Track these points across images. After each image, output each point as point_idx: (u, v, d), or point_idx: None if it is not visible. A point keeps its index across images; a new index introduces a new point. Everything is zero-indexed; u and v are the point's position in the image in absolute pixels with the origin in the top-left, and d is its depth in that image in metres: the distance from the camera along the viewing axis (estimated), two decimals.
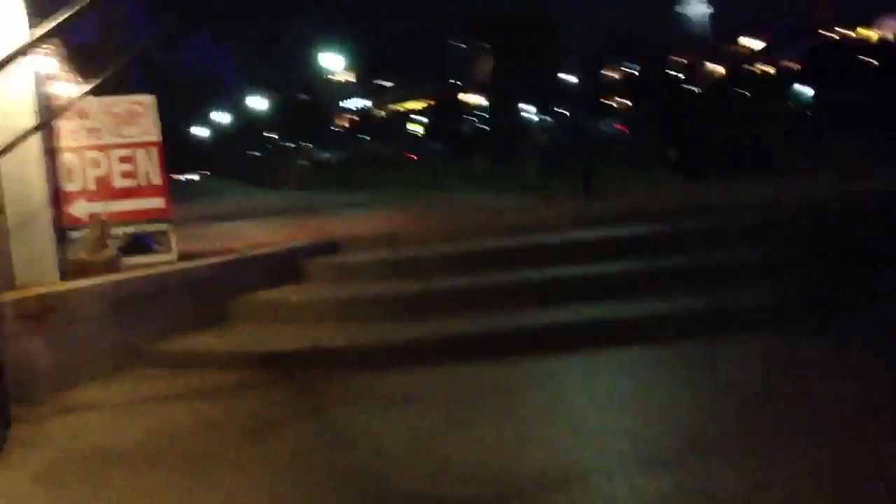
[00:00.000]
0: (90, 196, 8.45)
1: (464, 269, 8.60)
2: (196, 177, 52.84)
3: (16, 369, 6.45)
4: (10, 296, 6.55)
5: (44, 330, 6.74)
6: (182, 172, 51.86)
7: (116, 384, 6.93)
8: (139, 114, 8.66)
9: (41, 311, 6.73)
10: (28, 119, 7.32)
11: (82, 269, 8.08)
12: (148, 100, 8.74)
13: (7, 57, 6.36)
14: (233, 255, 8.92)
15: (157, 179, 8.65)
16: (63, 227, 8.24)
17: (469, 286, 8.17)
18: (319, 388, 6.55)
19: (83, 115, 8.49)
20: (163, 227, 8.65)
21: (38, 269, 7.43)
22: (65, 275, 7.68)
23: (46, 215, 7.50)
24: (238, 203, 22.84)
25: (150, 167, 8.62)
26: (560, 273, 8.32)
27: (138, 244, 8.73)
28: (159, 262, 8.53)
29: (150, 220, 8.62)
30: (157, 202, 8.64)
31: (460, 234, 9.97)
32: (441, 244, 9.53)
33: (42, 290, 6.91)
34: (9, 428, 5.91)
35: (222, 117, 54.97)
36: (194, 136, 62.05)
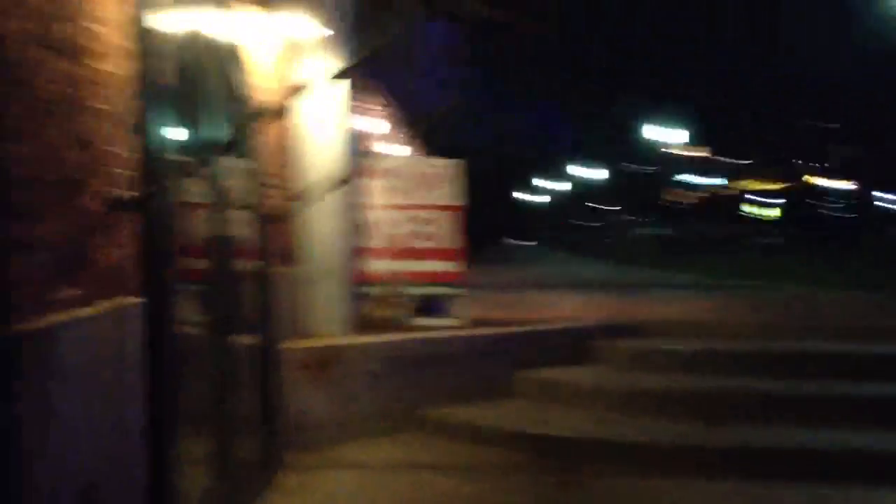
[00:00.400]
0: (388, 254, 8.55)
1: (779, 373, 7.63)
2: (528, 242, 53.68)
3: (294, 416, 6.55)
4: (297, 344, 6.66)
5: (324, 381, 6.79)
6: (508, 237, 53.29)
7: (384, 445, 6.86)
8: (446, 177, 8.69)
9: (324, 362, 6.81)
10: (337, 173, 7.53)
11: (371, 325, 8.19)
12: (456, 164, 8.74)
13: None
14: (521, 327, 8.62)
15: (454, 244, 8.59)
16: (358, 282, 8.40)
17: (781, 393, 7.22)
18: (586, 484, 6.01)
19: (393, 174, 8.65)
20: (455, 291, 8.54)
21: (328, 320, 7.58)
22: (354, 329, 7.82)
23: (343, 270, 7.63)
24: (555, 272, 22.73)
25: (449, 231, 8.59)
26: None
27: (430, 306, 8.68)
28: (447, 325, 8.41)
29: (442, 284, 8.55)
30: (451, 266, 8.57)
31: (783, 331, 8.93)
32: (757, 341, 8.58)
33: (327, 341, 7.01)
34: (275, 473, 5.96)
35: (549, 183, 55.69)
36: (522, 201, 63.43)
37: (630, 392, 7.45)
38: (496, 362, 7.93)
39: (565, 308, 11.19)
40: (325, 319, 7.56)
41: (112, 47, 3.46)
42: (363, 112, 10.74)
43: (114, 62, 3.49)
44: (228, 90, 5.50)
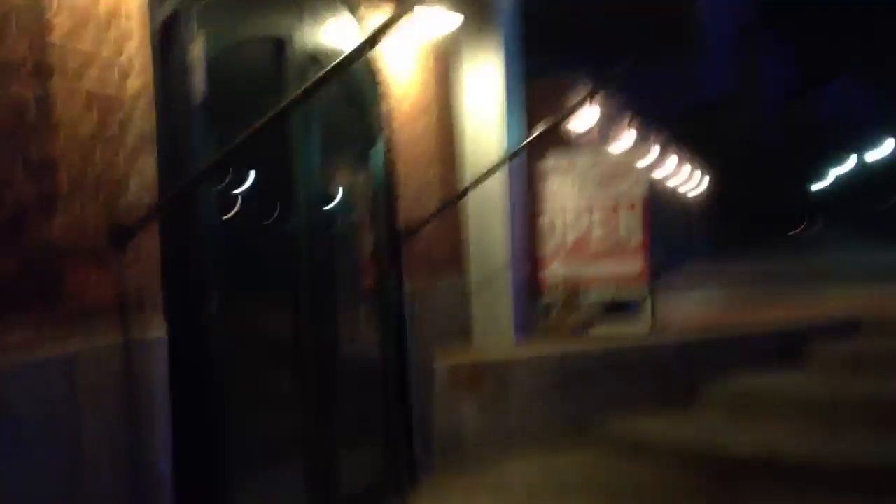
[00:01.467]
0: (566, 257, 8.06)
1: None
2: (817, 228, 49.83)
3: (442, 434, 6.32)
4: (445, 361, 6.42)
5: (477, 397, 6.50)
6: (799, 225, 49.76)
7: (543, 463, 6.39)
8: (627, 170, 8.07)
9: (474, 378, 6.51)
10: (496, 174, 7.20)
11: (552, 335, 7.78)
12: (633, 155, 8.10)
13: None
14: (715, 332, 7.81)
15: (636, 241, 7.95)
16: (537, 290, 8.02)
17: None
18: None
19: (571, 172, 8.16)
20: (638, 294, 7.88)
21: (491, 331, 7.27)
22: (529, 340, 7.47)
23: (505, 277, 7.29)
24: (832, 262, 20.29)
25: (631, 228, 7.96)
26: None
27: (620, 311, 8.09)
28: (630, 332, 7.79)
29: (624, 287, 7.92)
30: (634, 266, 7.92)
31: None
32: None
33: (478, 356, 6.72)
34: (408, 495, 5.75)
35: (844, 166, 51.38)
36: (816, 190, 58.96)
37: (846, 402, 6.48)
38: (680, 371, 7.22)
39: (803, 305, 10.01)
40: (488, 331, 7.27)
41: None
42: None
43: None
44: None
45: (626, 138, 16.00)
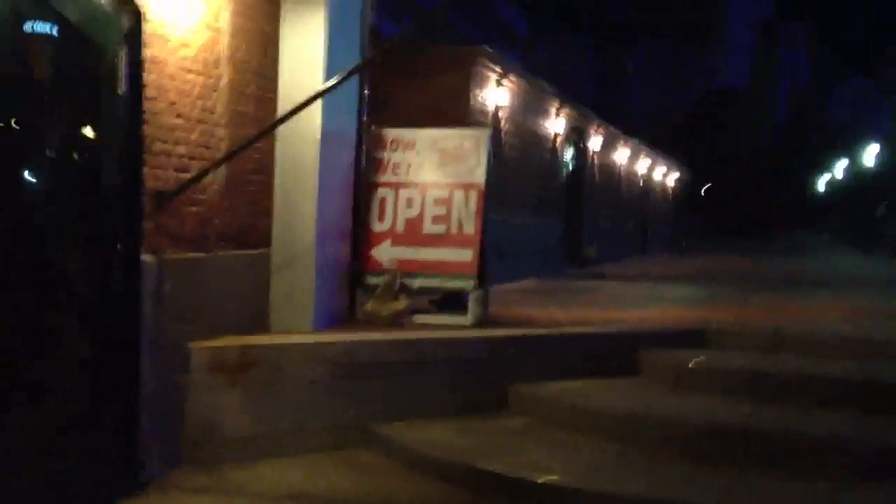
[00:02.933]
0: (396, 239, 7.41)
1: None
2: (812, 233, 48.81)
3: (195, 428, 5.65)
4: (204, 344, 5.72)
5: (241, 387, 5.82)
6: (796, 227, 49.19)
7: (308, 466, 5.74)
8: (468, 150, 7.39)
9: (244, 365, 5.83)
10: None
11: (371, 322, 7.14)
12: (479, 134, 7.43)
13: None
14: (541, 329, 7.18)
15: (469, 228, 7.30)
16: (363, 272, 7.36)
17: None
18: None
19: (409, 147, 7.48)
20: (466, 284, 7.23)
21: (293, 314, 6.61)
22: (341, 325, 6.84)
23: (316, 254, 6.62)
24: (791, 267, 19.49)
25: (464, 213, 7.31)
26: None
27: (454, 301, 7.44)
28: (456, 325, 7.14)
29: (454, 275, 7.27)
30: (465, 255, 7.29)
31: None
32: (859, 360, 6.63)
33: (252, 340, 6.02)
34: (126, 495, 5.09)
35: (842, 169, 50.30)
36: (815, 191, 58.23)
37: (662, 421, 5.84)
38: (489, 372, 6.59)
39: (670, 308, 9.40)
40: (286, 314, 6.60)
41: None
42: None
43: None
44: None
45: (554, 125, 15.50)
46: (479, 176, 7.32)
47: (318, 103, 6.44)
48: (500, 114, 12.63)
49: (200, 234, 5.79)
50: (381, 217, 7.43)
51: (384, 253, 7.36)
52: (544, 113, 15.18)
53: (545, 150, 15.41)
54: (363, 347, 6.28)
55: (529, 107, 14.13)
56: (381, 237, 7.40)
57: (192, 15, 5.55)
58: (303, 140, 6.56)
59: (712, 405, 6.02)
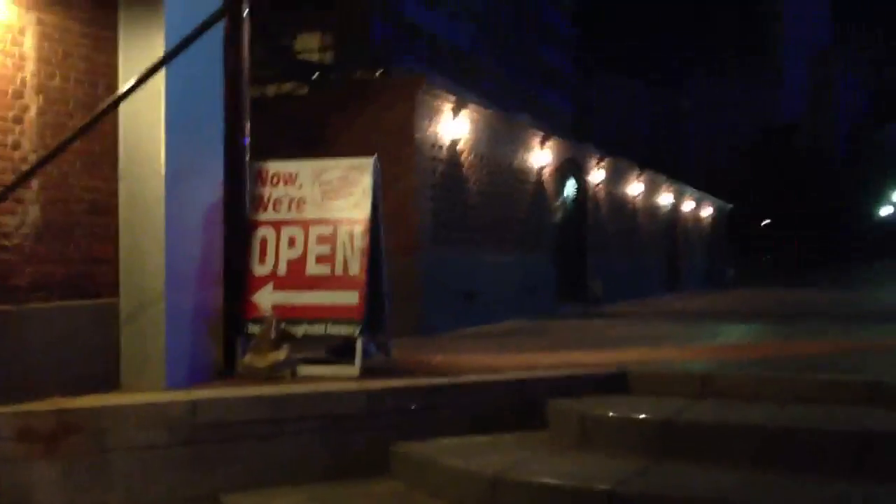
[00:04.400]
0: (278, 282, 6.66)
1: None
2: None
3: None
4: (10, 409, 5.00)
5: (59, 458, 5.06)
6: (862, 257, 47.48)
7: None
8: (352, 182, 6.65)
9: (56, 433, 5.08)
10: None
11: (247, 376, 6.37)
12: (365, 164, 6.66)
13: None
14: (432, 378, 6.32)
15: (354, 268, 6.51)
16: (245, 320, 6.61)
17: None
18: None
19: (290, 181, 6.76)
20: (351, 330, 6.42)
21: (145, 370, 5.88)
22: (210, 380, 6.12)
23: (160, 305, 5.89)
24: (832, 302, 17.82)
25: (349, 252, 6.54)
26: None
27: (348, 349, 6.65)
28: (339, 376, 6.34)
29: (338, 321, 6.47)
30: (350, 297, 6.49)
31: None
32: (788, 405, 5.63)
33: (68, 403, 5.28)
34: None
35: None
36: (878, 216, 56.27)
37: (507, 486, 4.91)
38: (369, 429, 5.75)
39: (651, 346, 8.48)
40: (137, 371, 5.89)
41: None
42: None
43: None
44: None
45: (538, 159, 14.70)
46: (365, 210, 6.54)
47: (161, 139, 5.78)
48: (460, 147, 11.89)
49: (4, 284, 5.09)
50: (263, 259, 6.69)
51: (265, 298, 6.61)
52: (524, 146, 14.40)
53: (527, 183, 14.61)
54: (211, 406, 5.49)
55: (501, 139, 13.38)
56: (262, 281, 6.66)
57: None
58: (145, 178, 5.91)
59: (602, 465, 5.07)
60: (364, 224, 6.52)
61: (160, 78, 5.87)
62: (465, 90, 12.34)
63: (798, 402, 5.68)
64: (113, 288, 5.91)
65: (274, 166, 6.81)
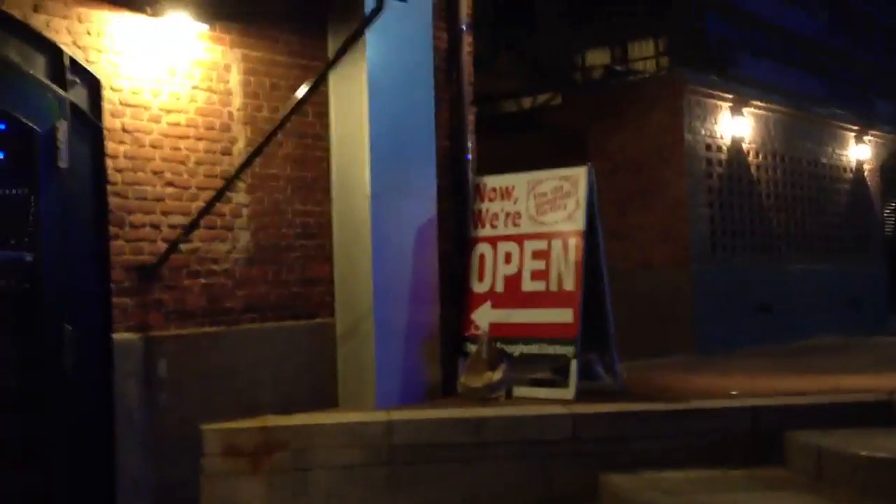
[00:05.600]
0: (496, 300, 6.49)
1: None
2: None
3: None
4: (218, 426, 5.31)
5: (266, 474, 5.31)
6: None
7: None
8: (566, 193, 6.33)
9: (260, 449, 5.32)
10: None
11: (465, 396, 6.31)
12: (579, 173, 6.32)
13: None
14: (660, 404, 5.78)
15: (569, 284, 6.17)
16: (465, 337, 6.56)
17: None
18: None
19: (506, 195, 6.61)
20: (565, 350, 6.09)
21: (358, 388, 6.03)
22: (426, 399, 6.19)
23: (369, 323, 5.99)
24: None
25: (564, 266, 6.21)
26: None
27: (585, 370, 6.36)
28: (554, 398, 6.05)
29: (552, 340, 6.17)
30: (564, 315, 6.16)
31: None
32: None
33: (272, 421, 5.47)
34: None
35: None
36: None
37: None
38: (576, 456, 5.41)
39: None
40: (352, 389, 6.05)
41: None
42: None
43: None
44: None
45: (854, 154, 13.16)
46: (579, 222, 6.19)
47: (366, 162, 5.90)
48: (745, 147, 10.99)
49: (215, 307, 5.43)
50: (481, 276, 6.57)
51: (484, 316, 6.48)
52: (834, 142, 13.02)
53: (842, 183, 13.18)
54: (407, 427, 5.44)
55: (802, 136, 12.18)
56: (481, 298, 6.54)
57: (182, 79, 5.31)
58: (354, 200, 6.03)
59: None
60: (578, 237, 6.17)
61: (363, 100, 5.99)
62: (747, 86, 11.37)
63: None
64: (329, 308, 6.08)
65: (491, 181, 6.68)
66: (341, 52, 5.44)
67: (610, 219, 10.45)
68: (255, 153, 5.27)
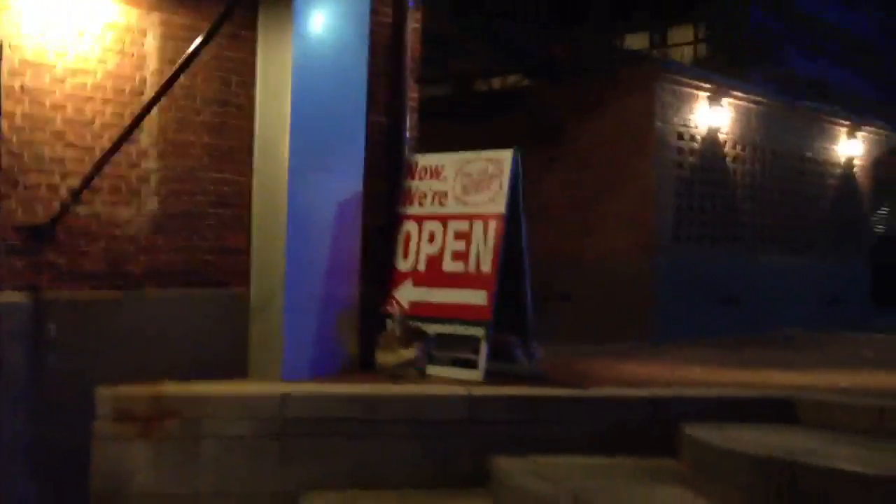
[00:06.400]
0: (418, 279, 6.44)
1: None
2: None
3: (101, 491, 5.24)
4: (111, 391, 5.31)
5: (154, 440, 5.31)
6: None
7: None
8: (491, 176, 6.25)
9: (152, 415, 5.32)
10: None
11: (379, 372, 6.29)
12: (504, 156, 6.23)
13: None
14: (562, 390, 5.72)
15: (486, 266, 6.11)
16: (385, 314, 6.52)
17: None
18: None
19: (435, 174, 6.54)
20: (477, 331, 6.04)
21: (267, 360, 6.00)
22: (339, 374, 6.16)
23: (280, 296, 5.95)
24: None
25: (482, 248, 6.15)
26: None
27: (498, 351, 6.31)
28: (463, 379, 6.01)
29: (466, 321, 6.11)
30: (478, 297, 6.10)
31: None
32: None
33: (167, 389, 5.46)
34: None
35: None
36: None
37: None
38: (467, 438, 5.38)
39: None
40: (261, 360, 6.03)
41: None
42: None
43: None
44: None
45: (841, 149, 12.90)
46: (500, 204, 6.11)
47: (286, 134, 5.85)
48: (720, 138, 10.82)
49: (115, 271, 5.41)
50: (406, 254, 6.52)
51: (405, 294, 6.44)
52: (821, 137, 12.79)
53: (828, 178, 12.95)
54: (301, 401, 5.41)
55: (786, 129, 11.97)
56: (403, 277, 6.49)
57: (91, 41, 5.28)
58: (274, 170, 5.99)
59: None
60: (499, 220, 6.10)
61: (288, 71, 5.92)
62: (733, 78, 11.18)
63: None
64: (245, 278, 6.05)
65: (423, 160, 6.62)
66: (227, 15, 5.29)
67: (580, 207, 10.41)
68: (147, 109, 5.20)
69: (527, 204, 6.32)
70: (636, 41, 15.02)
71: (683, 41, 15.41)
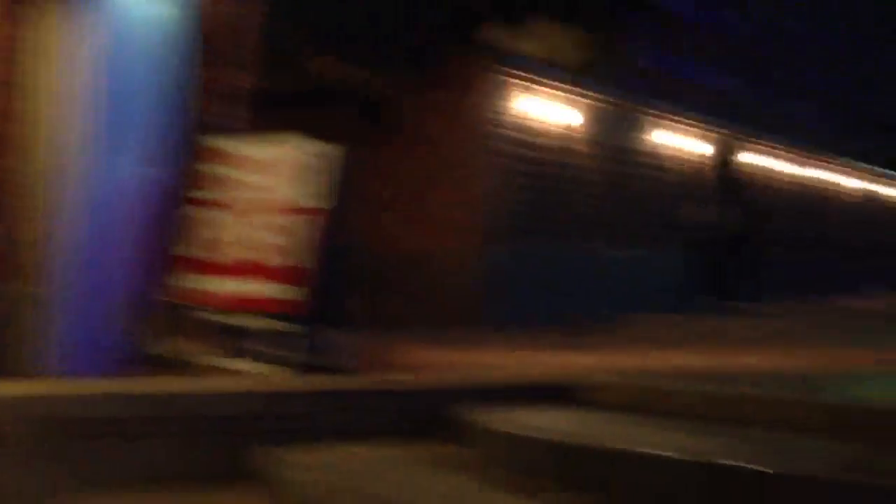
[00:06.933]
0: (202, 267, 6.22)
1: None
2: None
3: None
4: None
5: None
6: None
7: None
8: (281, 161, 6.12)
9: None
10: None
11: (166, 366, 6.03)
12: (294, 141, 6.10)
13: None
14: (359, 380, 5.64)
15: (273, 256, 5.96)
16: (175, 305, 6.28)
17: None
18: None
19: (233, 160, 6.35)
20: (265, 323, 5.90)
21: (28, 355, 5.70)
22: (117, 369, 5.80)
23: (51, 287, 5.67)
24: None
25: (269, 237, 5.98)
26: None
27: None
28: (251, 372, 5.84)
29: (254, 312, 5.96)
30: (265, 288, 5.95)
31: None
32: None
33: None
34: None
35: None
36: None
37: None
38: (235, 433, 5.18)
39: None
40: (23, 356, 5.69)
41: None
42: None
43: None
44: None
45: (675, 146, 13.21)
46: (288, 191, 5.96)
47: (62, 112, 5.56)
48: (555, 133, 10.94)
49: None
50: (199, 243, 6.28)
51: (190, 284, 6.20)
52: (664, 134, 13.08)
53: (662, 172, 13.28)
54: (54, 401, 5.07)
55: (626, 126, 12.18)
56: (188, 265, 6.25)
57: None
58: (44, 156, 5.66)
59: (466, 487, 4.24)
60: (288, 207, 5.93)
61: (70, 48, 5.63)
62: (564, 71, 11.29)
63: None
64: (12, 271, 5.72)
65: (217, 144, 6.39)
66: None
67: (415, 198, 10.35)
68: None
69: (358, 194, 6.19)
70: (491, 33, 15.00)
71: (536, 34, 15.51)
